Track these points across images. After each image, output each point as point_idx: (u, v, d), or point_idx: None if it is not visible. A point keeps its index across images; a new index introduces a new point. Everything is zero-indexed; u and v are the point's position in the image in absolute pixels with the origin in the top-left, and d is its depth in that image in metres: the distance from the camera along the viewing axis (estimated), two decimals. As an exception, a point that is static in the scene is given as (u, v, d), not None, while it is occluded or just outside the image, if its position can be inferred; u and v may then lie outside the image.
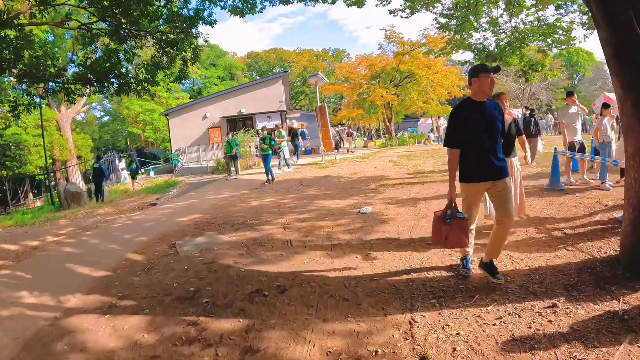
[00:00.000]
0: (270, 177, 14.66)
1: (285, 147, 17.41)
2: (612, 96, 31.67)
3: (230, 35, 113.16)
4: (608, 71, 5.07)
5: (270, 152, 14.95)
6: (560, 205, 7.77)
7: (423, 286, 4.62)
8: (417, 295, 4.43)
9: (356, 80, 28.56)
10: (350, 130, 31.26)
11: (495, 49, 12.16)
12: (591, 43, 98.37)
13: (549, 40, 11.56)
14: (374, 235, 6.84)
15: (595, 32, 4.92)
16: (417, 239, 6.39)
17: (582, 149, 9.63)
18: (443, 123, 31.02)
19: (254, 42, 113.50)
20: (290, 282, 5.06)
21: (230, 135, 17.32)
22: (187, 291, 5.14)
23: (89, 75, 11.18)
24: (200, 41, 12.59)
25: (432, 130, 35.14)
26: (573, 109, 9.22)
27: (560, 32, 11.19)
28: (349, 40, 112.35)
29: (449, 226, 4.38)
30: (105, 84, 11.44)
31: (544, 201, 8.18)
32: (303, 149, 27.15)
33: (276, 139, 16.63)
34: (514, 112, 39.75)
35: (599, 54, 60.22)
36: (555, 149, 9.59)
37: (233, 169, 17.93)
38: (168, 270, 6.05)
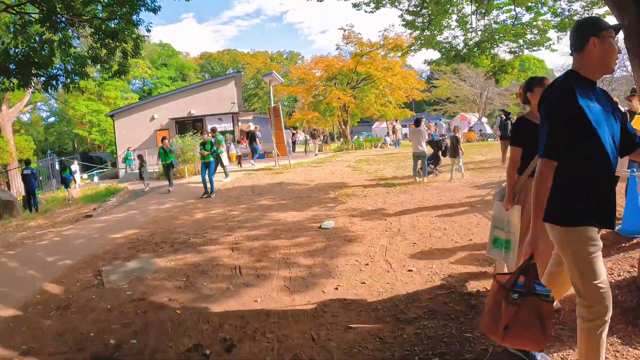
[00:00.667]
0: (208, 189, 12.67)
1: (224, 153, 15.90)
2: None
3: (184, 36, 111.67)
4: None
5: (211, 159, 13.03)
6: None
7: (417, 336, 3.53)
8: (412, 352, 3.32)
9: (312, 82, 27.46)
10: (316, 132, 30.15)
11: (464, 49, 11.40)
12: (543, 51, 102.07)
13: (520, 41, 10.90)
14: (342, 258, 5.73)
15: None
16: (395, 264, 5.32)
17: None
18: (399, 127, 30.56)
19: (208, 44, 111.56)
20: (240, 333, 3.85)
21: (166, 141, 14.79)
22: (105, 346, 3.83)
23: (9, 66, 9.63)
24: (142, 31, 11.20)
25: (387, 134, 34.66)
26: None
27: (535, 32, 10.54)
28: (304, 44, 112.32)
29: (517, 308, 2.39)
30: (30, 76, 9.90)
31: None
32: (261, 151, 25.89)
33: (217, 144, 14.65)
34: (468, 116, 40.32)
35: (549, 62, 62.91)
36: None
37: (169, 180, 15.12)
38: (88, 310, 4.71)
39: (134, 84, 59.97)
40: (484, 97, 38.70)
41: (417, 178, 11.89)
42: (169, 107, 27.68)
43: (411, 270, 5.04)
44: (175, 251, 6.86)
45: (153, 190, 15.56)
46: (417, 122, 12.07)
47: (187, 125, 27.49)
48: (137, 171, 19.35)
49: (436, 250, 5.77)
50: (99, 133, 43.46)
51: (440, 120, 48.47)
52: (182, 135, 19.98)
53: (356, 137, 39.59)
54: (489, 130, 33.24)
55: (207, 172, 12.65)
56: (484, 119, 37.91)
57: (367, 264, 5.39)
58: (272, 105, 18.55)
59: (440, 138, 12.80)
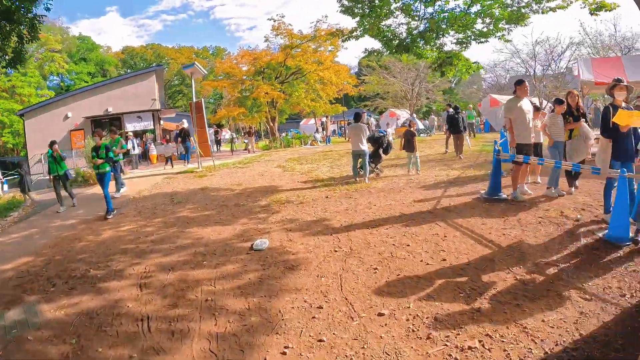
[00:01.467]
0: (109, 208, 9.60)
1: (134, 155, 13.63)
2: (499, 97, 32.98)
3: (107, 30, 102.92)
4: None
5: (107, 168, 10.27)
6: (522, 224, 6.06)
7: None
8: None
9: (238, 76, 25.43)
10: (252, 129, 28.19)
11: (408, 39, 10.32)
12: (470, 51, 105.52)
13: (468, 32, 10.00)
14: (285, 298, 4.28)
15: None
16: (359, 305, 3.95)
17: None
18: (330, 124, 29.46)
19: (132, 39, 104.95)
20: None
21: (55, 146, 11.30)
22: None
23: None
24: (40, 10, 9.15)
25: (317, 130, 33.47)
26: (525, 102, 7.50)
27: (487, 21, 9.68)
28: (232, 40, 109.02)
29: None
30: None
31: (500, 220, 6.35)
32: (195, 150, 23.78)
33: (114, 148, 11.67)
34: (397, 112, 40.15)
35: (475, 60, 64.70)
36: (496, 150, 7.93)
37: (65, 193, 11.50)
38: None
39: (52, 80, 54.32)
40: (414, 92, 38.61)
41: (357, 179, 10.69)
42: (84, 104, 25.12)
43: (382, 315, 3.71)
44: (69, 291, 5.10)
45: (42, 208, 12.97)
46: (357, 117, 10.86)
47: (104, 124, 24.69)
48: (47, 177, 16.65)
49: (406, 279, 4.49)
50: (11, 134, 38.28)
51: (370, 116, 48.10)
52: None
53: (284, 134, 38.10)
54: (421, 125, 33.06)
55: (105, 184, 10.03)
56: (414, 115, 37.87)
57: (321, 307, 3.99)
58: (194, 100, 16.59)
59: (381, 134, 11.69)
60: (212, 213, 8.73)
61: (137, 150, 20.92)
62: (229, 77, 26.00)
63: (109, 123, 25.43)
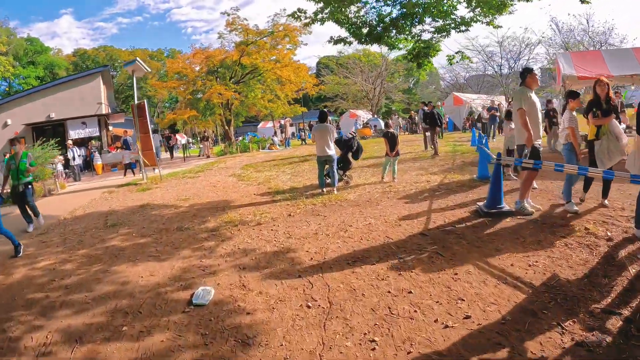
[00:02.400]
0: (17, 245, 6.95)
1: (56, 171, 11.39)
2: (461, 96, 32.21)
3: (62, 33, 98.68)
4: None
5: (29, 178, 8.67)
6: (546, 248, 4.72)
7: None
8: None
9: (190, 76, 23.23)
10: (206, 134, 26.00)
11: (379, 27, 8.85)
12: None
13: (448, 19, 8.63)
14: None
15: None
16: None
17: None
18: (289, 125, 27.73)
19: (87, 42, 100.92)
20: None
21: (18, 147, 8.79)
22: None
23: None
24: None
25: (275, 133, 31.66)
26: (534, 95, 6.12)
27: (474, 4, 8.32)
28: (189, 43, 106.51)
29: None
30: None
31: (516, 243, 4.92)
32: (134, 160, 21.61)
33: (28, 164, 8.67)
34: (357, 113, 38.94)
35: (433, 62, 65.02)
36: (499, 155, 6.51)
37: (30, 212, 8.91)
38: None
39: (35, 87, 49.76)
40: (376, 92, 37.52)
41: (324, 189, 9.08)
42: (25, 110, 22.95)
43: None
44: None
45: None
46: (323, 117, 9.25)
47: (47, 131, 22.81)
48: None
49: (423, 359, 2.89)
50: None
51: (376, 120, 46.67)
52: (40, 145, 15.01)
53: (241, 138, 36.02)
54: (383, 125, 31.89)
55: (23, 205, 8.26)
56: (376, 116, 36.74)
57: None
58: (136, 102, 14.54)
59: (351, 136, 10.13)
60: (149, 241, 6.91)
61: (78, 161, 18.57)
62: (182, 78, 23.73)
63: (51, 130, 23.24)
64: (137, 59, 14.18)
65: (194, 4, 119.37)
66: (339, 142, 9.91)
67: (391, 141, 9.92)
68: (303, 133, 33.57)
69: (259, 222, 7.22)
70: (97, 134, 23.30)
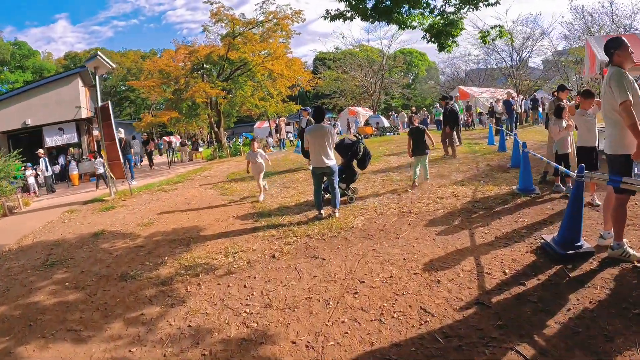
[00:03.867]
0: None
1: None
2: (467, 89, 29.90)
3: (56, 38, 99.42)
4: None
5: None
6: None
7: None
8: None
9: (173, 74, 20.85)
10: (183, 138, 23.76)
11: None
12: (425, 46, 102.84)
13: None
14: None
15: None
16: None
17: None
18: (283, 125, 25.48)
19: (82, 46, 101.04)
20: None
21: None
22: None
23: None
24: None
25: (270, 134, 29.39)
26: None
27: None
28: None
29: None
30: None
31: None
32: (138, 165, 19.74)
33: None
34: (357, 110, 36.69)
35: (432, 56, 63.55)
36: (581, 169, 4.34)
37: None
38: None
39: (7, 92, 47.60)
40: (376, 87, 35.27)
41: (322, 211, 6.91)
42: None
43: None
44: None
45: None
46: (318, 115, 7.03)
47: (23, 139, 21.44)
48: None
49: None
50: None
51: (326, 117, 44.19)
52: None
53: (234, 140, 33.71)
54: (386, 123, 29.57)
55: None
56: (378, 113, 34.58)
57: None
58: (100, 103, 12.31)
59: (356, 138, 7.91)
60: (79, 298, 4.82)
61: (48, 172, 16.40)
62: (167, 76, 21.32)
63: (28, 138, 21.50)
64: (99, 53, 11.95)
65: (188, 5, 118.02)
66: (340, 148, 7.72)
67: (418, 138, 8.56)
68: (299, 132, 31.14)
69: (228, 271, 5.06)
70: (76, 140, 21.23)
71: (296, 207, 7.99)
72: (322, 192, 7.15)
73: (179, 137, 44.11)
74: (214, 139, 24.72)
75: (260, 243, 6.00)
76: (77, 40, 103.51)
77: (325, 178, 6.94)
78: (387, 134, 26.16)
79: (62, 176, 19.96)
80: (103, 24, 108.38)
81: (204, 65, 21.58)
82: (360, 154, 7.76)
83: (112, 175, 12.38)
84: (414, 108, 29.47)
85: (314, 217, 6.94)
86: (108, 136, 12.09)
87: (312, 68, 48.11)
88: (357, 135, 8.26)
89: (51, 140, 20.63)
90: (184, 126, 21.21)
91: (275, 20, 20.67)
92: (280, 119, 26.64)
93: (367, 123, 29.12)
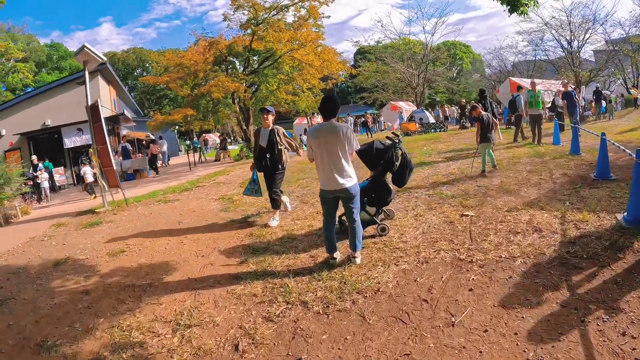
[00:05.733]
0: None
1: None
2: (518, 80, 26.69)
3: (102, 40, 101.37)
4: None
5: None
6: None
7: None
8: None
9: (192, 68, 18.82)
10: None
11: None
12: (468, 37, 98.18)
13: None
14: None
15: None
16: None
17: None
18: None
19: (127, 48, 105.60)
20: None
21: None
22: None
23: None
24: None
25: (305, 131, 27.07)
26: None
27: None
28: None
29: None
30: None
31: None
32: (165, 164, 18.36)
33: None
34: (399, 105, 34.01)
35: (476, 48, 60.30)
36: None
37: None
38: None
39: (27, 92, 48.51)
40: (419, 79, 32.43)
41: (334, 255, 4.63)
42: (19, 119, 20.41)
43: None
44: None
45: None
46: (329, 107, 4.56)
47: (43, 140, 20.78)
48: None
49: None
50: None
51: (367, 111, 41.82)
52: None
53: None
54: (431, 118, 26.69)
55: None
56: (422, 108, 31.78)
57: None
58: (89, 102, 10.51)
59: (389, 142, 5.53)
60: None
61: (44, 182, 14.89)
62: (185, 71, 19.41)
63: (48, 138, 20.62)
64: (86, 44, 10.04)
65: (228, 6, 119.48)
66: (367, 155, 5.40)
67: (484, 126, 8.74)
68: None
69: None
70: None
71: (306, 237, 5.76)
72: (337, 223, 4.89)
73: (218, 134, 42.58)
74: (243, 137, 22.67)
75: (230, 311, 3.86)
76: (122, 42, 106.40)
77: (343, 205, 4.65)
78: (433, 130, 23.40)
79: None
80: (146, 26, 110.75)
81: (227, 58, 19.53)
82: (397, 163, 5.41)
83: (107, 184, 10.58)
84: (464, 100, 26.54)
85: (323, 262, 4.69)
86: (100, 139, 10.28)
87: (352, 63, 45.67)
88: (395, 135, 5.84)
89: (70, 142, 19.45)
90: (199, 125, 19.08)
91: (301, 4, 18.27)
92: (314, 115, 24.41)
93: (410, 118, 26.34)
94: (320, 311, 3.60)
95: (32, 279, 5.72)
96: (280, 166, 6.72)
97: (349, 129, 4.43)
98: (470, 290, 3.64)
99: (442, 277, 3.95)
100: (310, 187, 9.55)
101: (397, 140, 5.53)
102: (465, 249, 4.55)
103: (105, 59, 10.96)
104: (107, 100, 23.52)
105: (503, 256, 4.23)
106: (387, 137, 5.75)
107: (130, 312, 4.17)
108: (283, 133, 6.88)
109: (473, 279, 3.84)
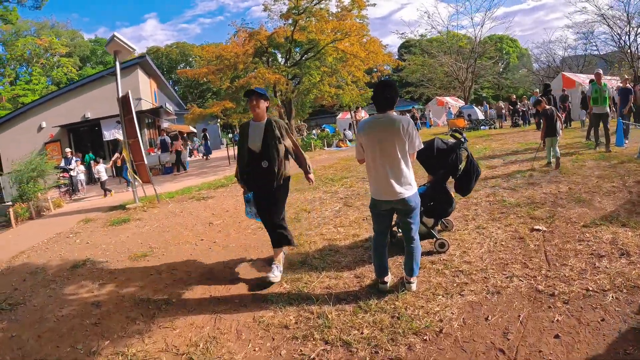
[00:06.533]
0: None
1: None
2: (571, 76, 24.85)
3: (147, 36, 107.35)
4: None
5: None
6: None
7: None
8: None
9: (232, 60, 18.14)
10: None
11: None
12: (514, 31, 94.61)
13: None
14: None
15: None
16: None
17: None
18: (363, 116, 22.22)
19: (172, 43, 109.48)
20: None
21: None
22: None
23: None
24: None
25: (350, 126, 26.16)
26: None
27: None
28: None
29: None
30: None
31: None
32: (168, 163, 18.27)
33: None
34: (445, 100, 32.58)
35: (524, 42, 57.85)
36: None
37: None
38: None
39: (67, 82, 50.43)
40: (467, 73, 30.89)
41: (385, 280, 3.76)
42: (59, 111, 21.01)
43: None
44: None
45: None
46: (385, 97, 3.60)
47: (83, 132, 21.77)
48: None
49: None
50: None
51: (413, 107, 40.48)
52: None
53: (313, 132, 31.00)
54: (480, 115, 25.22)
55: None
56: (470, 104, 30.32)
57: None
58: (120, 94, 10.04)
59: (458, 139, 4.59)
60: None
61: (79, 174, 14.67)
62: (224, 63, 18.83)
63: (88, 130, 21.54)
64: (115, 34, 9.55)
65: (271, 1, 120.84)
66: (427, 156, 4.49)
67: (549, 120, 8.58)
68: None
69: None
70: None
71: (350, 250, 4.93)
72: (390, 237, 4.05)
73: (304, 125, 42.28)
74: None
75: (254, 347, 3.12)
76: (167, 37, 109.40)
77: (398, 219, 3.78)
78: (482, 127, 22.03)
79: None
80: (190, 22, 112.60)
81: (268, 49, 18.86)
82: (459, 166, 4.50)
83: (140, 179, 10.10)
84: (514, 96, 24.88)
85: (371, 285, 3.85)
86: (130, 133, 9.80)
87: (397, 56, 44.39)
88: (458, 132, 4.89)
89: (109, 134, 19.71)
90: (238, 117, 18.46)
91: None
92: (359, 109, 23.43)
93: (458, 114, 24.94)
94: (367, 358, 2.78)
95: (47, 282, 5.28)
96: (282, 181, 4.39)
97: (410, 124, 3.50)
98: (557, 337, 2.74)
99: (520, 316, 3.05)
100: (355, 188, 8.70)
101: (462, 139, 4.60)
102: (543, 277, 3.62)
103: (135, 48, 10.52)
104: (148, 93, 23.52)
105: (590, 288, 3.30)
106: (451, 135, 4.83)
107: (140, 335, 3.50)
108: (286, 129, 4.50)
109: (558, 320, 2.93)
